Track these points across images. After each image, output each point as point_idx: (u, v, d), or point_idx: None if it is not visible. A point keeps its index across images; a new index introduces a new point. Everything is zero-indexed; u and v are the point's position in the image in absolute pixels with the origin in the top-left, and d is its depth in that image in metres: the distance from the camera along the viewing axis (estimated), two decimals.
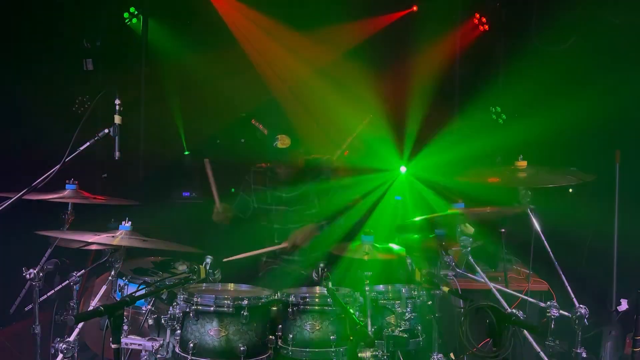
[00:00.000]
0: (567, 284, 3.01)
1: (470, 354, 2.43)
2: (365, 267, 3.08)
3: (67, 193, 3.10)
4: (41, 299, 2.96)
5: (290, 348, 2.87)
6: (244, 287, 3.16)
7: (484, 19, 5.70)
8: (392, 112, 5.48)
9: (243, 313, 2.77)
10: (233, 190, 4.17)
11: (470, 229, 3.36)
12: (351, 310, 2.69)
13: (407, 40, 5.46)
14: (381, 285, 3.19)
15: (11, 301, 3.32)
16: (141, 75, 5.66)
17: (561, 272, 3.03)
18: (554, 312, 2.96)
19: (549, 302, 3.01)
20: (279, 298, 2.98)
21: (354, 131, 5.09)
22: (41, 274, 2.89)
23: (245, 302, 2.80)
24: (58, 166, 2.61)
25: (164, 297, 2.93)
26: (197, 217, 5.13)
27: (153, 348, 2.79)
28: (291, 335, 2.88)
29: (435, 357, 3.09)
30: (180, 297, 2.86)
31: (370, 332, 2.93)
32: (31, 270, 2.87)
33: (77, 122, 2.66)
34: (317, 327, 2.88)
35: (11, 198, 2.54)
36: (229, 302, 2.77)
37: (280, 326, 2.94)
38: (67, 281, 3.11)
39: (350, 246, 3.25)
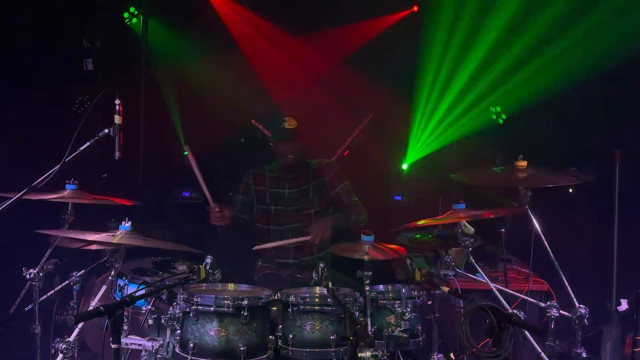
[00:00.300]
0: (567, 284, 3.01)
1: (470, 354, 2.42)
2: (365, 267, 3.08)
3: (67, 193, 3.09)
4: (41, 299, 2.96)
5: (290, 348, 2.88)
6: (244, 287, 3.16)
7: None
8: (393, 112, 5.49)
9: (243, 313, 2.77)
10: (231, 194, 4.17)
11: (471, 229, 3.35)
12: (351, 310, 2.69)
13: (408, 41, 5.46)
14: (381, 285, 3.19)
15: (11, 301, 3.32)
16: (141, 75, 5.66)
17: (561, 272, 3.03)
18: (554, 312, 2.96)
19: (549, 302, 3.01)
20: (279, 298, 2.98)
21: (354, 131, 5.10)
22: (41, 274, 2.89)
23: (245, 302, 2.80)
24: (58, 166, 2.61)
25: (164, 297, 2.94)
26: (197, 217, 5.15)
27: (153, 348, 2.79)
28: (291, 336, 2.89)
29: (435, 357, 3.09)
30: (180, 297, 2.86)
31: (370, 332, 2.93)
32: (31, 270, 2.87)
33: (77, 122, 2.66)
34: (317, 327, 2.88)
35: (11, 198, 2.54)
36: (229, 302, 2.77)
37: (280, 326, 2.94)
38: (67, 281, 3.12)
39: (349, 246, 3.25)
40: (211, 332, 2.77)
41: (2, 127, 4.26)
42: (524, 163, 3.15)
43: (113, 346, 2.23)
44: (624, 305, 4.25)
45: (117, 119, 2.71)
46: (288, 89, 5.58)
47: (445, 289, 2.89)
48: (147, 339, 2.83)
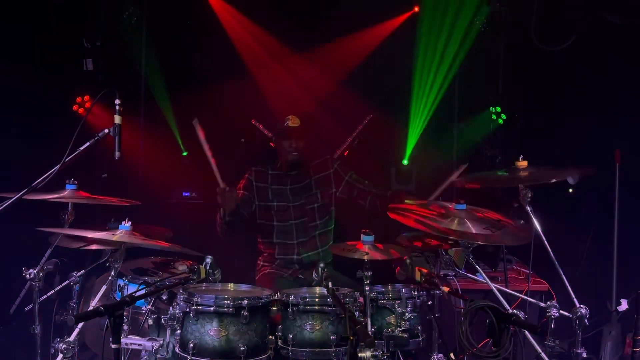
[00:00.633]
0: (567, 283, 3.01)
1: (470, 354, 2.42)
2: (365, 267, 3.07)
3: (67, 193, 3.09)
4: (41, 299, 2.97)
5: (290, 348, 2.87)
6: (244, 287, 3.16)
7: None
8: (393, 111, 5.49)
9: (243, 313, 2.77)
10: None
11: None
12: (351, 310, 2.69)
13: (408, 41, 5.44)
14: (381, 285, 3.19)
15: (11, 301, 3.33)
16: (141, 75, 5.66)
17: (561, 272, 3.03)
18: (554, 312, 2.96)
19: (549, 302, 3.01)
20: (279, 298, 2.98)
21: (354, 131, 5.09)
22: (41, 274, 2.89)
23: (245, 302, 2.79)
24: (58, 166, 2.61)
25: (164, 297, 2.93)
26: (197, 217, 5.15)
27: (153, 348, 2.79)
28: (291, 336, 2.88)
29: (435, 357, 3.09)
30: (180, 297, 2.86)
31: (370, 332, 2.93)
32: (31, 270, 2.88)
33: (77, 122, 2.66)
34: (317, 327, 2.88)
35: (11, 198, 2.54)
36: (229, 302, 2.77)
37: (280, 326, 2.94)
38: (67, 281, 3.12)
39: (349, 246, 3.25)
40: (211, 332, 2.77)
41: (2, 127, 4.25)
42: (524, 163, 3.16)
43: (113, 346, 2.23)
44: (624, 305, 4.24)
45: (117, 119, 2.71)
46: (286, 98, 5.52)
47: (445, 289, 2.89)
48: (147, 339, 2.82)
